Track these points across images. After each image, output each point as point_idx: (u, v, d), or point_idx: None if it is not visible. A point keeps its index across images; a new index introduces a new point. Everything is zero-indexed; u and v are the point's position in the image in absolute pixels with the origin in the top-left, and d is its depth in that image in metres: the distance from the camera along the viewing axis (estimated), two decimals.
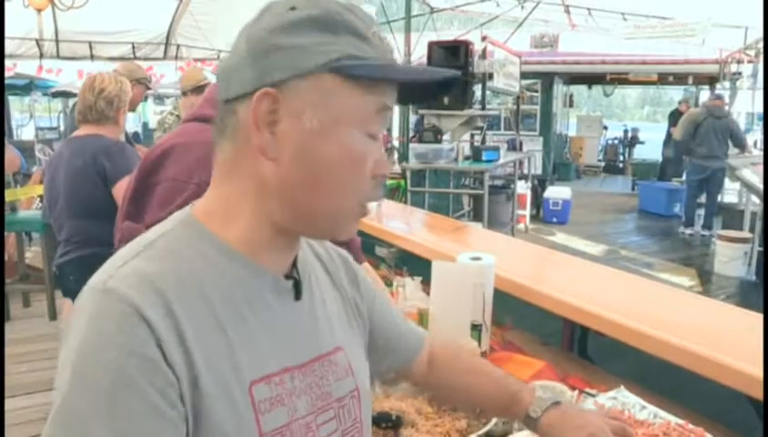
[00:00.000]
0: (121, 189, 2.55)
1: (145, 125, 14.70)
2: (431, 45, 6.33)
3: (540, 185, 10.79)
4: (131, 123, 12.48)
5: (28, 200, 5.91)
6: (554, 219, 9.95)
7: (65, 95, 10.71)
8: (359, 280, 1.02)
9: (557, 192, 10.33)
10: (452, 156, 6.37)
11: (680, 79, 14.06)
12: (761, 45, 9.76)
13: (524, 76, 9.40)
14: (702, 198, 8.97)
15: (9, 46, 8.33)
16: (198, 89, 4.00)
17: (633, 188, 13.38)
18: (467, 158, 6.60)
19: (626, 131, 18.07)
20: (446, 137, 6.64)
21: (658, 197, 11.00)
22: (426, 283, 2.22)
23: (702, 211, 9.00)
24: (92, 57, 9.17)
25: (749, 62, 10.73)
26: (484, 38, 7.20)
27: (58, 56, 9.05)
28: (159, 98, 13.39)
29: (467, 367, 1.18)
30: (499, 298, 1.84)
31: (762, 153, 9.19)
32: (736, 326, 1.66)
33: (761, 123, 13.74)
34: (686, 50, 11.92)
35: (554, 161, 14.36)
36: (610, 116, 32.45)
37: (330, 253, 1.00)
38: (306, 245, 0.94)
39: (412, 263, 2.56)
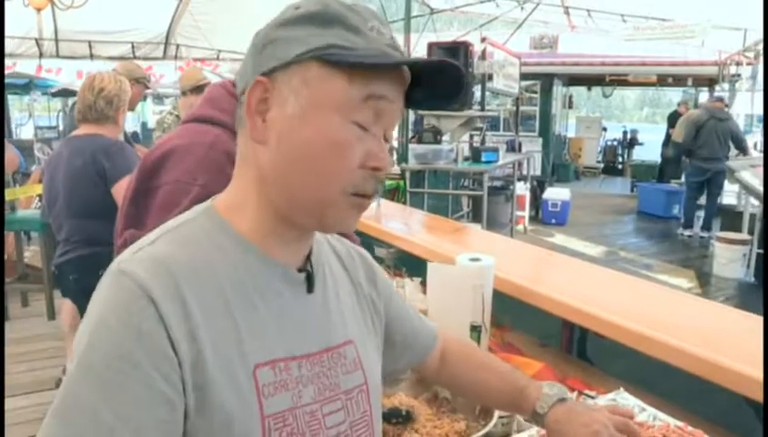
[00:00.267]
0: (121, 189, 2.55)
1: (143, 124, 14.68)
2: (431, 46, 6.33)
3: (539, 186, 10.79)
4: (130, 123, 12.46)
5: (27, 200, 5.91)
6: (553, 221, 9.96)
7: (64, 94, 10.69)
8: (377, 278, 1.04)
9: (556, 193, 10.33)
10: (451, 156, 6.37)
11: (679, 81, 14.09)
12: (760, 46, 9.76)
13: (524, 77, 9.40)
14: (702, 200, 8.97)
15: (8, 46, 8.33)
16: (198, 89, 3.99)
17: (632, 190, 13.38)
18: (466, 159, 6.61)
19: (625, 132, 18.08)
20: (445, 137, 6.64)
21: (657, 198, 11.00)
22: (425, 284, 2.22)
23: (701, 213, 9.01)
24: (91, 57, 9.17)
25: (748, 64, 10.73)
26: (484, 39, 7.21)
27: (58, 56, 9.06)
28: (159, 98, 13.38)
29: (478, 362, 1.20)
30: (498, 299, 1.83)
31: (761, 155, 9.20)
32: (735, 328, 1.66)
33: (760, 125, 13.76)
34: (685, 52, 11.93)
35: (553, 162, 14.38)
36: (609, 117, 32.48)
37: (350, 251, 1.02)
38: (324, 241, 0.97)
39: (411, 264, 2.56)
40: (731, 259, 6.78)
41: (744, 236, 6.95)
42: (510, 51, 8.45)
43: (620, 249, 8.41)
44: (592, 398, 1.49)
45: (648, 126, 33.02)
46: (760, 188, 6.31)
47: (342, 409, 0.85)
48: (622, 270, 2.69)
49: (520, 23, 10.52)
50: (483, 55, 6.77)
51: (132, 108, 3.19)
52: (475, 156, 6.65)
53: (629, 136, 17.88)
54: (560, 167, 15.05)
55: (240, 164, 0.84)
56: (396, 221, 3.07)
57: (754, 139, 10.85)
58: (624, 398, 1.40)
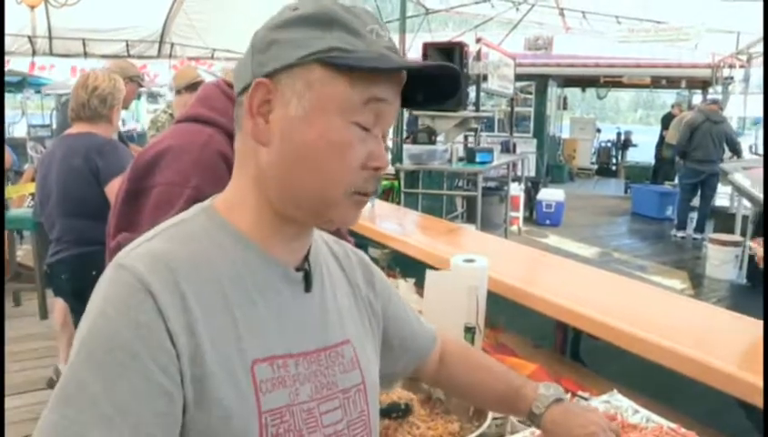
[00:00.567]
0: (114, 188, 2.53)
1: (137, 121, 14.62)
2: (426, 47, 6.32)
3: (533, 187, 10.80)
4: (129, 122, 12.39)
5: (20, 198, 5.88)
6: (547, 221, 9.97)
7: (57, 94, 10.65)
8: (375, 280, 1.05)
9: (550, 194, 10.35)
10: (446, 157, 6.36)
11: (673, 83, 14.15)
12: (752, 50, 9.82)
13: (518, 78, 9.40)
14: (695, 202, 9.00)
15: None
16: (192, 87, 3.97)
17: (626, 191, 13.42)
18: (460, 160, 6.60)
19: (619, 134, 18.12)
20: (440, 138, 6.63)
21: (650, 200, 11.03)
22: (419, 285, 2.22)
23: (694, 215, 9.04)
24: (85, 55, 9.14)
25: (741, 67, 10.79)
26: (479, 40, 7.20)
27: (51, 54, 9.02)
28: (153, 97, 13.34)
29: (475, 363, 1.21)
30: (492, 300, 1.83)
31: (754, 157, 9.24)
32: (727, 329, 1.66)
33: (753, 127, 13.83)
34: (679, 54, 11.97)
35: (547, 163, 14.40)
36: (603, 118, 32.58)
37: (347, 252, 1.03)
38: (322, 242, 0.98)
39: (405, 265, 2.56)
40: (723, 261, 6.80)
41: (737, 238, 6.98)
42: (505, 52, 8.45)
43: (613, 251, 8.43)
44: (586, 399, 1.49)
45: (642, 127, 33.12)
46: (752, 190, 6.34)
47: (339, 408, 0.86)
48: (616, 272, 2.69)
49: (515, 24, 10.53)
50: (478, 56, 6.76)
51: (126, 107, 3.17)
52: (469, 156, 6.64)
53: (623, 137, 17.93)
54: (554, 169, 15.08)
55: (239, 164, 0.85)
56: (390, 222, 3.07)
57: (748, 142, 10.90)
58: (618, 400, 1.40)
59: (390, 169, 6.88)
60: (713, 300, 6.01)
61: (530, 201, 10.33)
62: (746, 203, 7.16)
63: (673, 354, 1.46)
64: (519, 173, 9.41)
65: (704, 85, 12.98)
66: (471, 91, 6.64)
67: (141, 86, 4.14)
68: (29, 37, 8.57)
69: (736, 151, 8.75)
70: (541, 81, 13.72)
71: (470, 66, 6.42)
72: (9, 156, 5.71)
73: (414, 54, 8.18)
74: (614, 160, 17.86)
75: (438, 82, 0.86)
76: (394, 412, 1.36)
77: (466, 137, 7.81)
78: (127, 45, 9.41)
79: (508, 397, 1.12)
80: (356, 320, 0.97)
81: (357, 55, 0.77)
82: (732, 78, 11.40)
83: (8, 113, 13.78)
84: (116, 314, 0.70)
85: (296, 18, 0.79)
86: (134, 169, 1.46)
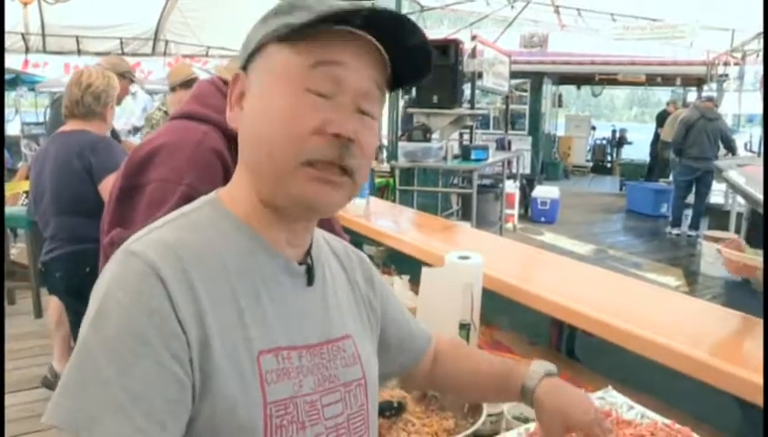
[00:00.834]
0: (107, 186, 2.53)
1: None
2: None
3: (528, 184, 10.81)
4: (122, 119, 12.33)
5: (13, 196, 5.85)
6: (542, 219, 9.99)
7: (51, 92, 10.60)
8: (375, 280, 1.05)
9: (545, 192, 10.37)
10: (441, 154, 6.36)
11: (668, 80, 14.17)
12: (747, 47, 9.83)
13: (513, 75, 9.41)
14: (690, 199, 9.02)
15: None
16: (187, 84, 3.97)
17: (621, 189, 13.45)
18: (456, 157, 6.60)
19: (614, 131, 18.16)
20: (435, 135, 6.63)
21: (645, 197, 11.06)
22: (414, 282, 2.22)
23: (689, 212, 9.06)
24: (79, 52, 9.11)
25: (735, 64, 10.80)
26: (474, 37, 7.21)
27: (45, 51, 8.98)
28: (148, 94, 13.29)
29: (467, 353, 1.23)
30: (487, 297, 1.83)
31: (749, 154, 9.27)
32: (722, 326, 1.67)
33: (747, 125, 13.87)
34: (674, 52, 11.99)
35: (543, 161, 14.42)
36: (598, 116, 32.58)
37: (348, 251, 1.04)
38: (323, 241, 0.98)
39: (400, 262, 2.56)
40: (718, 258, 6.79)
41: (731, 235, 6.99)
42: (501, 49, 8.45)
43: (608, 248, 8.44)
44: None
45: (637, 125, 33.17)
46: (747, 187, 6.34)
47: (341, 401, 0.87)
48: (611, 269, 2.70)
49: (510, 21, 10.53)
50: (473, 54, 6.77)
51: (118, 103, 3.16)
52: (465, 154, 6.64)
53: (618, 135, 17.97)
54: (549, 166, 15.10)
55: (239, 155, 0.87)
56: (385, 219, 3.07)
57: (744, 139, 10.94)
58: (612, 396, 1.40)
59: (385, 167, 6.88)
60: (708, 297, 6.02)
61: (526, 199, 10.34)
62: (741, 200, 7.18)
63: (668, 351, 1.46)
64: (514, 170, 9.43)
65: (699, 82, 13.00)
66: (467, 88, 6.64)
67: (133, 81, 4.13)
68: (22, 34, 8.53)
69: (731, 148, 8.77)
70: (537, 78, 13.74)
71: (466, 64, 6.42)
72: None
73: None
74: (609, 158, 17.89)
75: (413, 55, 0.84)
76: (387, 411, 1.36)
77: (461, 135, 7.81)
78: (121, 43, 9.39)
79: (501, 378, 1.11)
80: (355, 317, 0.97)
81: (292, 19, 0.77)
82: (726, 76, 11.43)
83: None
84: (127, 300, 0.70)
85: (267, 13, 0.82)
86: (128, 166, 1.45)
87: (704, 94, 11.31)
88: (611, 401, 1.38)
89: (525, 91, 13.86)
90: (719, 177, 7.86)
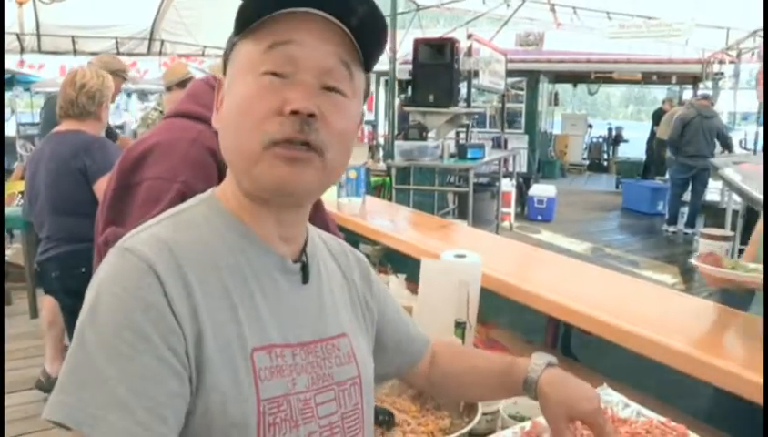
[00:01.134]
0: (102, 186, 2.52)
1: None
2: (417, 43, 6.32)
3: (524, 183, 10.83)
4: (114, 117, 12.32)
5: (9, 197, 5.83)
6: (539, 217, 9.99)
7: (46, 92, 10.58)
8: (372, 281, 1.05)
9: (542, 190, 10.37)
10: (437, 153, 6.37)
11: (663, 78, 14.18)
12: (742, 45, 9.85)
13: (509, 73, 9.41)
14: (686, 197, 9.03)
15: None
16: (182, 84, 3.96)
17: (617, 187, 13.47)
18: (452, 156, 6.60)
19: (610, 129, 18.18)
20: (431, 134, 6.63)
21: (642, 195, 11.08)
22: (410, 281, 2.22)
23: (685, 209, 9.08)
24: (74, 52, 9.08)
25: (731, 62, 10.83)
26: (470, 36, 7.20)
27: (40, 51, 8.95)
28: (143, 94, 13.27)
29: (464, 352, 1.24)
30: (483, 295, 1.83)
31: (744, 152, 9.29)
32: (719, 324, 1.67)
33: (743, 122, 13.90)
34: (670, 50, 12.00)
35: (539, 159, 14.42)
36: (594, 114, 32.65)
37: (345, 250, 1.04)
38: (319, 239, 0.99)
39: (396, 261, 2.56)
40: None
41: (727, 232, 6.96)
42: (496, 48, 8.45)
43: (605, 246, 8.45)
44: None
45: (633, 123, 33.20)
46: (742, 185, 6.36)
47: (335, 399, 0.87)
48: (607, 267, 2.70)
49: (506, 20, 10.52)
50: (469, 52, 6.77)
51: (111, 101, 3.16)
52: (461, 152, 6.65)
53: (614, 133, 17.99)
54: (545, 164, 15.10)
55: None
56: (381, 218, 3.06)
57: (738, 137, 10.96)
58: (608, 394, 1.40)
59: (382, 165, 6.88)
60: (704, 295, 5.99)
61: (522, 197, 10.35)
62: (736, 198, 7.19)
63: (664, 348, 1.46)
64: (510, 169, 9.44)
65: (695, 80, 13.02)
66: (463, 87, 6.64)
67: (125, 80, 4.11)
68: (17, 35, 8.50)
69: (727, 146, 8.79)
70: (533, 77, 13.73)
71: (462, 62, 6.42)
72: None
73: (405, 50, 8.16)
74: (605, 156, 17.91)
75: (368, 29, 0.82)
76: (380, 415, 1.34)
77: (457, 134, 7.82)
78: (117, 43, 9.35)
79: (502, 372, 1.09)
80: (351, 316, 0.97)
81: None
82: (722, 74, 11.46)
83: None
84: (123, 295, 0.71)
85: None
86: (122, 165, 1.45)
87: (700, 92, 11.31)
88: (607, 399, 1.38)
89: (521, 89, 13.85)
90: (715, 174, 7.89)
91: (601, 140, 18.15)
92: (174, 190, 1.31)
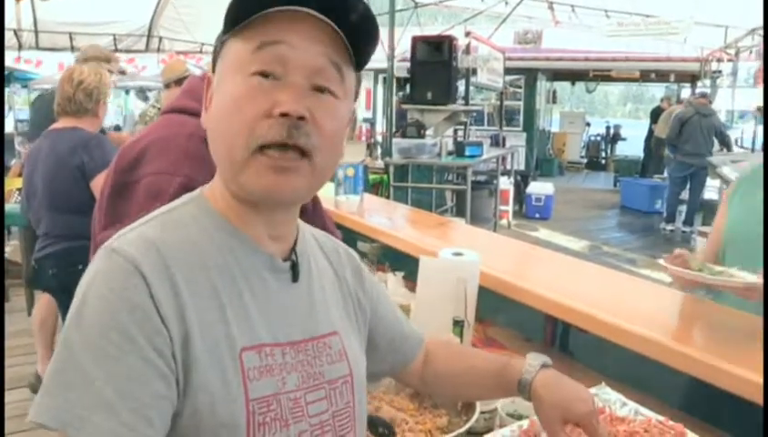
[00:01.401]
0: (99, 183, 2.52)
1: (125, 118, 14.51)
2: (415, 40, 6.31)
3: (522, 180, 10.82)
4: (112, 116, 12.28)
5: (7, 193, 5.82)
6: (537, 215, 10.00)
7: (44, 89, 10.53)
8: (364, 278, 1.05)
9: (539, 188, 10.38)
10: (435, 151, 6.37)
11: (662, 77, 14.19)
12: (740, 43, 9.86)
13: (508, 71, 9.41)
14: (684, 195, 9.04)
15: None
16: (181, 81, 3.94)
17: (615, 185, 13.49)
18: (450, 154, 6.60)
19: (608, 128, 18.17)
20: (429, 132, 6.63)
21: (640, 193, 11.09)
22: (408, 279, 2.21)
23: (683, 208, 9.08)
24: (72, 49, 9.04)
25: (729, 60, 10.84)
26: (468, 34, 7.20)
27: (37, 47, 8.93)
28: (141, 91, 13.24)
29: (459, 351, 1.23)
30: (481, 294, 1.83)
31: (741, 150, 9.30)
32: (717, 322, 1.67)
33: (740, 121, 13.91)
34: (668, 48, 12.00)
35: (537, 157, 14.42)
36: (592, 112, 32.67)
37: (336, 247, 1.03)
38: (311, 236, 0.98)
39: (394, 258, 2.56)
40: None
41: None
42: (495, 46, 8.45)
43: (603, 244, 8.46)
44: None
45: (631, 121, 33.16)
46: None
47: (326, 398, 0.86)
48: (605, 265, 2.70)
49: (504, 18, 10.51)
50: (467, 50, 6.76)
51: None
52: (459, 150, 6.65)
53: (612, 131, 17.97)
54: (543, 162, 15.11)
55: None
56: (379, 216, 3.06)
57: (735, 135, 10.97)
58: (606, 393, 1.40)
59: (379, 163, 6.88)
60: (702, 293, 6.03)
61: (520, 195, 10.35)
62: None
63: (661, 347, 1.46)
64: (508, 167, 9.44)
65: (693, 78, 13.02)
66: (461, 85, 6.64)
67: (111, 72, 4.08)
68: (15, 31, 8.48)
69: (726, 144, 8.81)
70: (531, 75, 13.73)
71: (460, 60, 6.42)
72: None
73: (403, 48, 8.16)
74: (604, 154, 17.91)
75: (359, 28, 0.81)
76: (381, 427, 1.33)
77: (455, 131, 7.82)
78: (115, 39, 9.33)
79: (496, 373, 1.08)
80: (342, 313, 0.97)
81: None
82: (720, 72, 11.46)
83: None
84: (111, 297, 0.70)
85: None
86: (119, 163, 1.45)
87: (698, 90, 11.34)
88: (605, 397, 1.38)
89: (519, 87, 13.84)
90: (713, 172, 7.90)
91: (599, 138, 18.15)
92: (176, 184, 1.30)
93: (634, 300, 1.83)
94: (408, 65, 6.47)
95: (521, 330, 2.09)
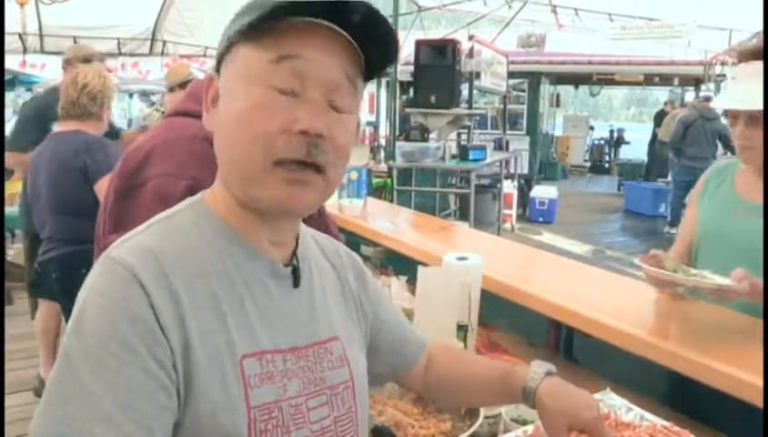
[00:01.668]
0: (103, 186, 2.52)
1: (129, 122, 14.55)
2: (419, 44, 6.32)
3: (526, 184, 10.83)
4: (116, 120, 12.30)
5: (9, 197, 5.83)
6: (540, 219, 9.99)
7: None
8: (367, 281, 1.05)
9: (543, 192, 10.37)
10: (439, 154, 6.36)
11: (665, 80, 14.16)
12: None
13: (511, 75, 9.42)
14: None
15: None
16: (185, 85, 3.95)
17: (619, 188, 13.47)
18: (453, 157, 6.60)
19: (612, 131, 18.17)
20: (432, 135, 6.63)
21: (644, 197, 11.07)
22: (411, 283, 2.21)
23: None
24: None
25: (733, 64, 10.80)
26: (471, 37, 7.21)
27: (42, 51, 8.95)
28: (145, 95, 13.26)
29: (462, 356, 1.22)
30: (484, 298, 1.83)
31: None
32: (721, 327, 1.66)
33: None
34: (672, 51, 11.98)
35: (540, 161, 14.41)
36: (596, 116, 32.64)
37: (338, 249, 1.03)
38: (311, 239, 0.98)
39: (398, 262, 2.55)
40: None
41: None
42: (498, 49, 8.45)
43: (606, 248, 8.44)
44: None
45: (635, 125, 33.17)
46: None
47: (327, 404, 0.86)
48: (609, 269, 2.69)
49: (507, 21, 10.53)
50: (471, 54, 6.77)
51: None
52: (462, 154, 6.64)
53: (616, 134, 17.98)
54: (547, 166, 15.10)
55: None
56: (382, 219, 3.06)
57: None
58: (611, 398, 1.40)
59: (383, 167, 6.88)
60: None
61: (524, 199, 10.34)
62: None
63: (667, 352, 1.45)
64: (512, 170, 9.43)
65: (697, 82, 13.00)
66: (464, 88, 6.65)
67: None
68: (19, 35, 8.50)
69: (729, 148, 8.76)
70: (534, 78, 13.73)
71: (463, 64, 6.42)
72: None
73: (407, 51, 8.16)
74: (607, 157, 17.90)
75: (381, 41, 0.81)
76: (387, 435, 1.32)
77: (459, 135, 7.81)
78: (119, 43, 9.34)
79: (500, 379, 1.08)
80: (344, 317, 0.96)
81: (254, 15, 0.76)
82: (724, 75, 11.43)
83: None
84: (110, 307, 0.70)
85: (239, 11, 0.80)
86: (125, 167, 1.45)
87: (702, 93, 11.31)
88: (610, 403, 1.37)
89: (523, 91, 13.84)
90: None
91: (602, 142, 18.14)
92: (182, 187, 1.30)
93: (638, 305, 1.82)
94: (411, 68, 6.47)
95: (525, 334, 2.08)
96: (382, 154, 7.70)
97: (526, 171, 12.21)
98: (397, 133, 6.95)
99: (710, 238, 1.85)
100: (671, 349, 1.45)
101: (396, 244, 2.58)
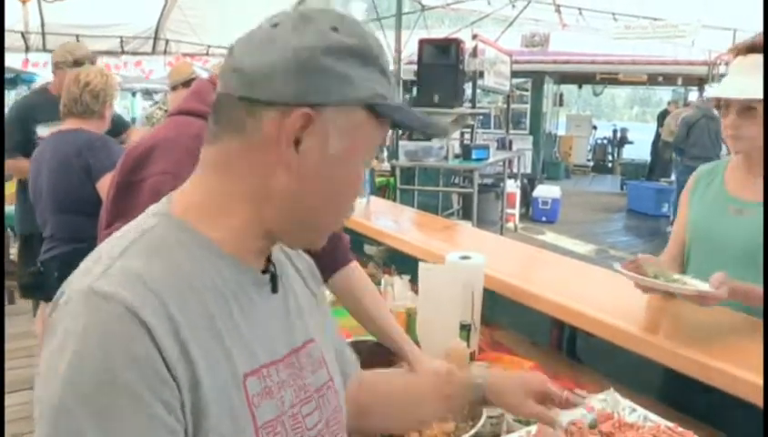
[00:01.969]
0: (105, 184, 2.52)
1: (132, 121, 14.58)
2: (422, 43, 6.31)
3: (529, 184, 10.81)
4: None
5: (11, 196, 5.84)
6: (543, 218, 9.98)
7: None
8: (320, 284, 1.05)
9: (546, 191, 10.36)
10: (442, 154, 6.35)
11: (669, 80, 14.14)
12: None
13: (514, 74, 9.41)
14: None
15: None
16: (188, 83, 3.94)
17: (622, 188, 13.45)
18: (456, 157, 6.59)
19: (615, 131, 18.14)
20: None
21: (647, 196, 11.05)
22: (414, 282, 2.20)
23: None
24: None
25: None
26: (475, 36, 7.20)
27: (45, 49, 8.95)
28: (148, 93, 13.28)
29: (385, 375, 1.22)
30: (487, 297, 1.82)
31: None
32: (725, 327, 1.65)
33: None
34: (675, 51, 11.97)
35: (544, 160, 14.41)
36: (599, 115, 32.57)
37: (300, 253, 1.02)
38: None
39: (401, 261, 2.55)
40: None
41: None
42: (502, 48, 8.44)
43: (609, 247, 8.43)
44: (583, 398, 1.47)
45: (638, 124, 33.11)
46: None
47: (317, 408, 0.86)
48: (612, 268, 2.68)
49: (511, 20, 10.50)
50: (474, 53, 6.76)
51: None
52: (465, 153, 6.63)
53: (619, 134, 17.95)
54: (550, 165, 15.09)
55: (221, 169, 0.78)
56: (386, 219, 3.05)
57: None
58: (615, 398, 1.39)
59: (386, 166, 6.87)
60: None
61: (527, 198, 10.34)
62: None
63: (670, 352, 1.45)
64: (515, 170, 9.42)
65: (700, 81, 12.97)
66: (468, 88, 6.64)
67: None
68: (22, 33, 8.51)
69: None
70: (538, 78, 13.73)
71: (467, 63, 6.42)
72: None
73: (410, 50, 8.16)
74: (610, 157, 17.87)
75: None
76: None
77: (462, 134, 7.80)
78: (122, 42, 9.35)
79: (436, 388, 1.11)
80: (316, 317, 0.96)
81: (393, 105, 0.80)
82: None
83: None
84: (109, 349, 0.63)
85: (345, 48, 0.75)
86: (126, 163, 1.46)
87: (705, 93, 11.29)
88: (614, 403, 1.37)
89: (526, 90, 13.84)
90: None
91: (605, 141, 18.11)
92: (180, 184, 1.30)
93: (641, 304, 1.81)
94: (414, 67, 6.47)
95: (528, 333, 2.07)
96: (385, 153, 7.68)
97: (529, 171, 12.20)
98: (400, 132, 6.94)
99: (701, 237, 1.85)
100: (673, 348, 1.45)
101: (399, 243, 2.57)
